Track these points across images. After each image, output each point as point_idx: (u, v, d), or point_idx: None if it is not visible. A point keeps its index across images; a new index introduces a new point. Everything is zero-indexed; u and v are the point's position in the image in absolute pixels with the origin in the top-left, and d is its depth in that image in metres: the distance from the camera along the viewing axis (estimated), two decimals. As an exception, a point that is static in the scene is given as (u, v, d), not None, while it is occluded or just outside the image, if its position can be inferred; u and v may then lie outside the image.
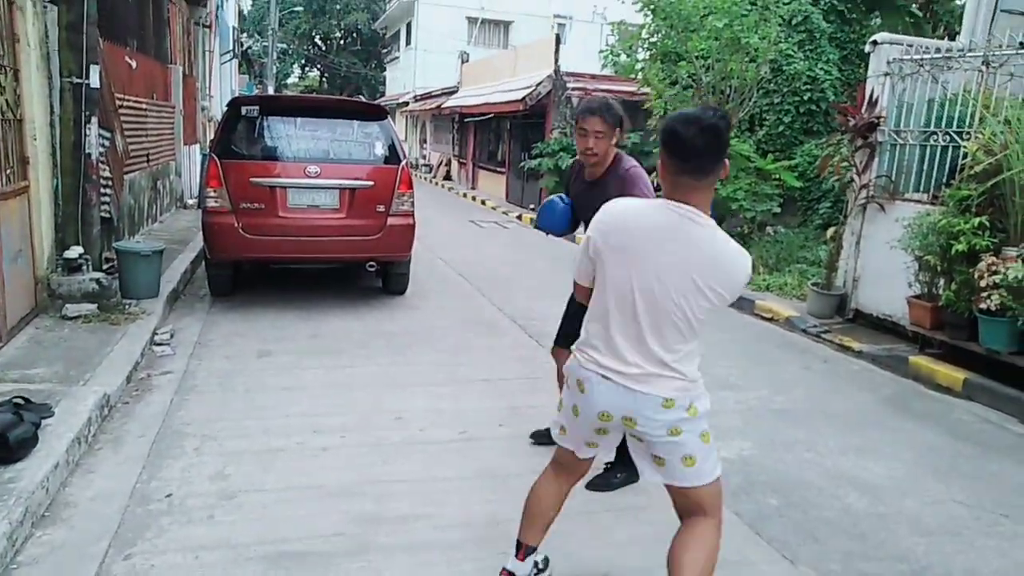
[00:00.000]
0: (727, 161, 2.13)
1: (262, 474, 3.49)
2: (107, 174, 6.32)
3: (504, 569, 2.54)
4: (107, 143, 6.27)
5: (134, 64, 8.27)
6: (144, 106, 8.87)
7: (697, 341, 2.20)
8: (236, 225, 6.07)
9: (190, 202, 11.95)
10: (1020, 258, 4.94)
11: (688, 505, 2.28)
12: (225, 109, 6.60)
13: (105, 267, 6.07)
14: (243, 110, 6.31)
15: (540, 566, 2.65)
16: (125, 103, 7.62)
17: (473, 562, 2.86)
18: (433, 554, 2.91)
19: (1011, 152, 5.17)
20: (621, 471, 3.46)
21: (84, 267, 5.66)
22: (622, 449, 2.99)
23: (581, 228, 3.48)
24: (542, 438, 3.80)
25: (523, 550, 2.52)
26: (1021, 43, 5.55)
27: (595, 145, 3.26)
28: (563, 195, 3.63)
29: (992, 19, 7.50)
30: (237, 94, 22.26)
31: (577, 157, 3.52)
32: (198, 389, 4.52)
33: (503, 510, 3.22)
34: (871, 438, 4.36)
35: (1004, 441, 4.46)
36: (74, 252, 5.62)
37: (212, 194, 6.10)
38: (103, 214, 6.19)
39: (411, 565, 2.83)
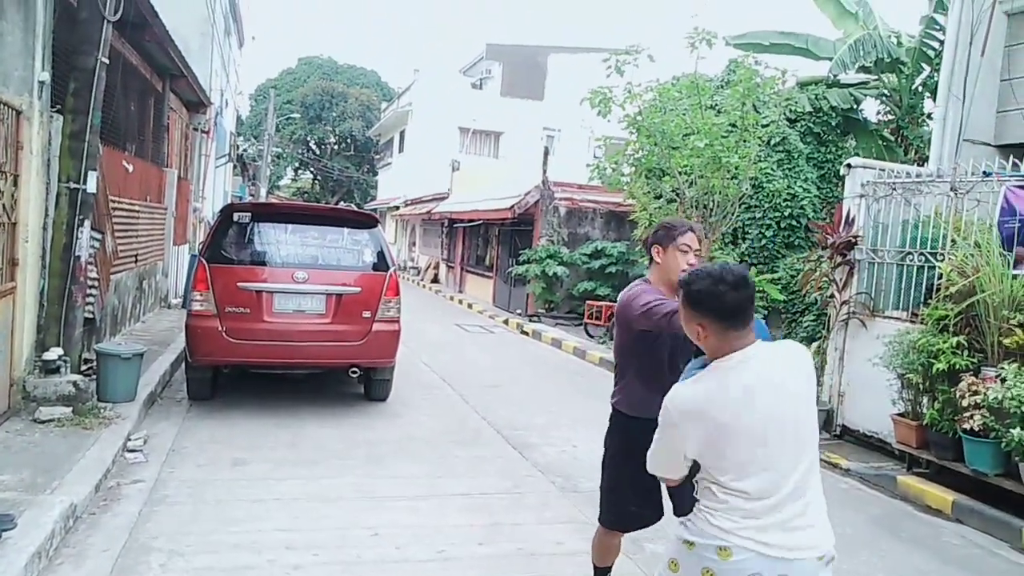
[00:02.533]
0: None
1: (229, 595, 3.33)
2: (94, 275, 6.34)
3: None
4: (97, 244, 6.33)
5: (131, 168, 8.47)
6: (137, 208, 9.02)
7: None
8: (220, 328, 6.05)
9: (174, 302, 11.95)
10: (999, 378, 4.99)
11: None
12: (217, 214, 6.72)
13: (84, 368, 5.98)
14: (235, 216, 6.42)
15: None
16: (119, 205, 7.76)
17: None
18: None
19: (983, 275, 5.33)
20: None
21: (62, 369, 5.58)
22: None
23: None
24: None
25: None
26: (985, 172, 5.83)
27: (696, 262, 2.87)
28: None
29: (957, 147, 7.91)
30: (230, 195, 22.76)
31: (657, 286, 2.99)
32: (168, 500, 4.37)
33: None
34: (861, 561, 4.25)
35: (995, 567, 4.36)
36: (53, 354, 5.55)
37: (198, 298, 6.12)
38: (86, 314, 6.17)
39: None
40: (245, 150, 31.75)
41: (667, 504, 3.07)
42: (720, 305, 2.06)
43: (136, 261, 9.25)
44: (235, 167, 26.92)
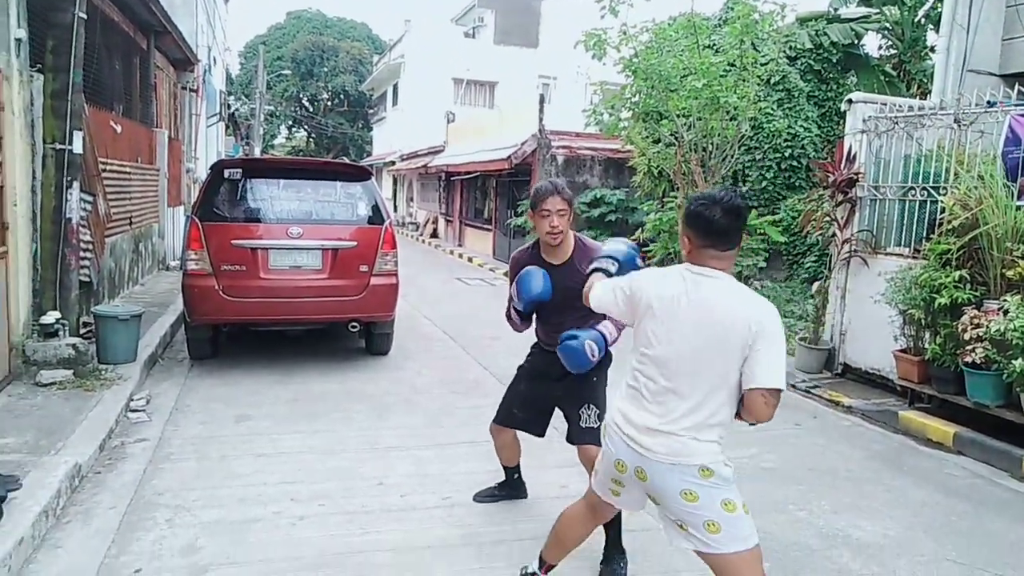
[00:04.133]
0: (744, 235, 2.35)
1: (237, 546, 3.36)
2: (88, 238, 6.28)
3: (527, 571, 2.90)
4: (89, 207, 6.25)
5: (119, 128, 8.32)
6: (128, 170, 8.90)
7: (721, 404, 2.30)
8: (217, 287, 6.01)
9: (172, 264, 11.90)
10: (1001, 311, 4.95)
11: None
12: (208, 172, 6.61)
13: (83, 332, 5.97)
14: (226, 173, 6.32)
15: None
16: (109, 167, 7.64)
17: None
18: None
19: (986, 207, 5.24)
20: (620, 563, 3.27)
21: (60, 332, 5.57)
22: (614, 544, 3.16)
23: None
24: (483, 497, 3.94)
25: (546, 568, 2.86)
26: (989, 102, 5.69)
27: (559, 223, 3.24)
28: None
29: (960, 79, 7.73)
30: (223, 155, 22.50)
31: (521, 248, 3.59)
32: (173, 457, 4.39)
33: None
34: (864, 496, 4.28)
35: (997, 497, 4.39)
36: (51, 317, 5.53)
37: (193, 256, 6.06)
38: (82, 278, 6.13)
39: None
40: (237, 109, 31.29)
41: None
42: (706, 225, 2.29)
43: (131, 224, 9.17)
44: (227, 127, 26.55)
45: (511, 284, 3.44)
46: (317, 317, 6.49)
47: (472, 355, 7.38)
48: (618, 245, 2.96)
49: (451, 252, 19.61)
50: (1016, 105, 5.56)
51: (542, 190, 3.27)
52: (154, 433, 4.76)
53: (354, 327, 6.67)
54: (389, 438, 4.87)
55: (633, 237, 12.28)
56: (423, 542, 3.47)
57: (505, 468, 3.93)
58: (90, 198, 6.28)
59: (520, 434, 3.76)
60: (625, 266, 2.82)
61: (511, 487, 3.96)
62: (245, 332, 7.27)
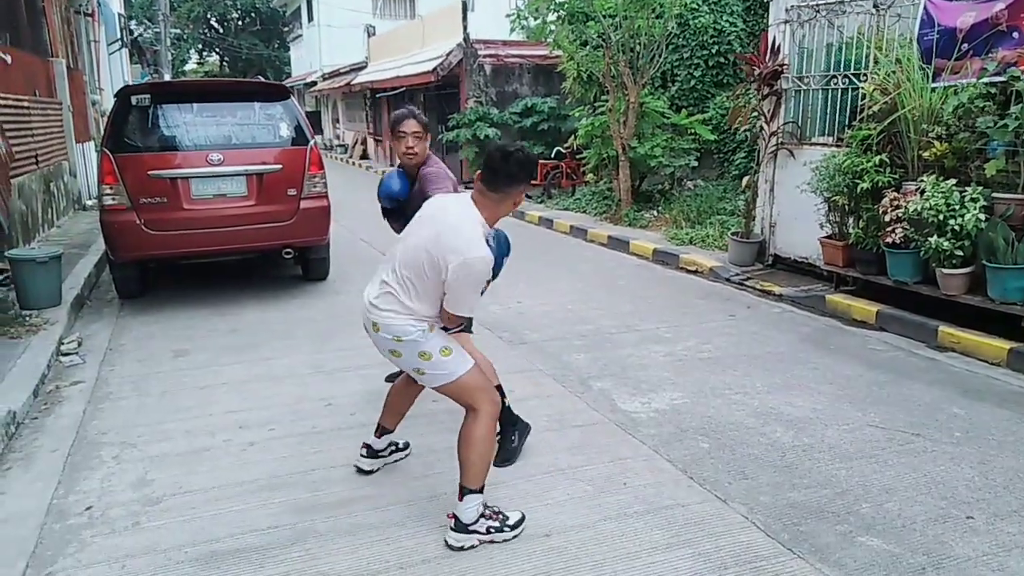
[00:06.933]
0: (521, 190, 2.73)
1: (188, 476, 3.35)
2: (-10, 178, 5.89)
3: (364, 443, 3.37)
4: (-14, 145, 5.83)
5: (8, 59, 7.69)
6: (26, 104, 8.29)
7: (422, 297, 2.72)
8: (138, 222, 5.76)
9: (89, 203, 11.31)
10: (919, 191, 5.15)
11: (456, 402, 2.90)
12: (114, 100, 6.21)
13: (0, 278, 5.68)
14: (133, 99, 5.94)
15: (400, 446, 3.49)
16: (4, 102, 7.10)
17: (414, 538, 2.83)
18: (373, 534, 2.86)
19: (903, 91, 5.37)
20: (512, 434, 3.48)
21: (-26, 280, 5.28)
22: (503, 420, 3.30)
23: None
24: (394, 377, 4.00)
25: (379, 430, 3.36)
26: (906, -17, 5.73)
27: (415, 144, 3.60)
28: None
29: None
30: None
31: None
32: (112, 396, 4.30)
33: (442, 483, 3.22)
34: (794, 375, 4.52)
35: (914, 365, 4.70)
36: (-40, 265, 5.23)
37: (108, 191, 5.76)
38: (-10, 222, 5.78)
39: (352, 547, 2.78)
40: (140, 34, 29.20)
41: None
42: (487, 162, 2.70)
43: (37, 163, 8.61)
44: (132, 54, 24.83)
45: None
46: (247, 246, 6.30)
47: (412, 273, 7.32)
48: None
49: (383, 173, 19.14)
50: (931, -14, 5.61)
51: (399, 115, 3.66)
52: (90, 375, 4.63)
53: (288, 254, 6.53)
54: (334, 360, 4.86)
55: (566, 145, 12.22)
56: (376, 455, 3.52)
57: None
58: (-14, 136, 5.85)
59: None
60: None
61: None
62: (175, 266, 7.05)
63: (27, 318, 5.33)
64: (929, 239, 4.96)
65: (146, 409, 4.11)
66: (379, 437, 3.36)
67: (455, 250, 2.58)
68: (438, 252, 2.62)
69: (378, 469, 3.37)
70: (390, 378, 4.27)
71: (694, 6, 10.63)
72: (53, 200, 9.49)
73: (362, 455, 3.36)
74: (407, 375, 3.18)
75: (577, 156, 12.01)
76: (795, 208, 6.63)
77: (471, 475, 2.78)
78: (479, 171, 2.72)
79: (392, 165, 20.19)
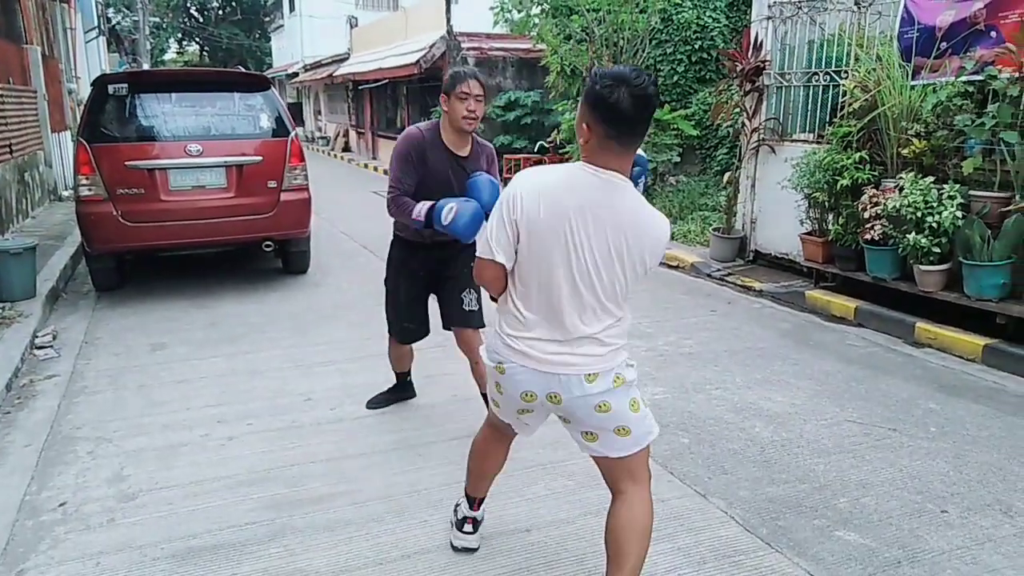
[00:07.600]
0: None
1: (165, 471, 3.31)
2: (-38, 168, 5.77)
3: (466, 518, 2.69)
4: (-42, 133, 5.71)
5: (-18, 45, 7.54)
6: (0, 92, 8.13)
7: (625, 311, 2.12)
8: (115, 213, 5.68)
9: (65, 194, 11.13)
10: (897, 188, 5.20)
11: (618, 473, 2.26)
12: (90, 89, 6.11)
13: (-29, 269, 5.57)
14: (110, 88, 5.85)
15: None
16: (-24, 89, 6.96)
17: (393, 534, 2.81)
18: (353, 529, 2.84)
19: (884, 88, 5.41)
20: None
21: (-55, 271, 5.18)
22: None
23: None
24: (376, 403, 3.99)
25: (476, 504, 2.69)
26: (887, -19, 5.77)
27: (477, 108, 3.16)
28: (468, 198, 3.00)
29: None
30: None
31: (419, 132, 3.28)
32: (88, 390, 4.24)
33: (422, 478, 3.20)
34: (774, 371, 4.55)
35: (892, 361, 4.75)
36: (-69, 256, 5.13)
37: (85, 182, 5.67)
38: (-38, 212, 5.67)
39: (331, 543, 2.76)
40: (118, 23, 28.81)
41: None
42: (607, 108, 1.90)
43: (11, 152, 8.46)
44: (109, 43, 24.48)
45: (400, 163, 3.21)
46: (226, 239, 6.24)
47: (394, 267, 7.29)
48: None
49: (365, 165, 19.05)
50: (911, -15, 5.65)
51: (461, 73, 3.17)
52: (65, 368, 4.56)
53: (268, 246, 6.47)
54: (313, 354, 4.82)
55: (550, 139, 12.21)
56: (356, 451, 3.50)
57: (399, 373, 4.03)
58: (-42, 124, 5.73)
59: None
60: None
61: (402, 389, 4.06)
62: (153, 259, 6.96)
63: (0, 311, 5.24)
64: (907, 236, 5.01)
65: (123, 403, 4.05)
66: (477, 509, 2.71)
67: (652, 247, 2.04)
68: (631, 258, 2.01)
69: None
70: (372, 403, 4.00)
71: (677, 1, 10.65)
72: (28, 190, 9.33)
73: (467, 532, 2.69)
74: (492, 433, 2.54)
75: (560, 151, 12.00)
76: (776, 204, 6.66)
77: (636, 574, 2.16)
78: (596, 124, 1.93)
79: (375, 157, 20.08)
